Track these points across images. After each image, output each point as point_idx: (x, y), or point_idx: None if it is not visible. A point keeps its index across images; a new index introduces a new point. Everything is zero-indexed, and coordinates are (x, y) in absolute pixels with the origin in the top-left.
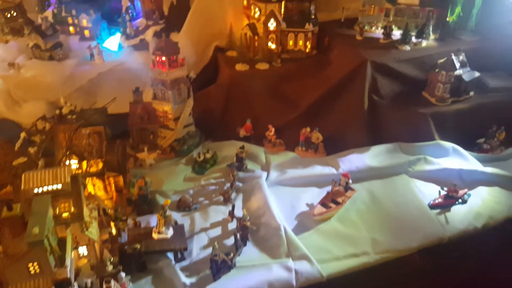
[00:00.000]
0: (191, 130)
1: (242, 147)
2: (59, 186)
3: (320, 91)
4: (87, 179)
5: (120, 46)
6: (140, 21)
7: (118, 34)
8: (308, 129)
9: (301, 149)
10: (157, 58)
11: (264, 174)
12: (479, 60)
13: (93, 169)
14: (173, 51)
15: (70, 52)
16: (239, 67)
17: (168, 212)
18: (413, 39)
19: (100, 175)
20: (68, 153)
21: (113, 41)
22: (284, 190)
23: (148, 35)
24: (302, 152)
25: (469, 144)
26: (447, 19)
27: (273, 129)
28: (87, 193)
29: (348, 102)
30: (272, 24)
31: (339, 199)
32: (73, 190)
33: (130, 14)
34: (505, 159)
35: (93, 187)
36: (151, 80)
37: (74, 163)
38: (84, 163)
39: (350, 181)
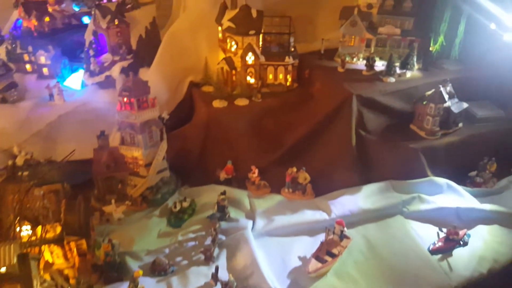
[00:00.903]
0: (165, 176)
1: (224, 193)
2: (3, 269)
3: (305, 128)
4: (44, 246)
5: (83, 84)
6: (106, 57)
7: (81, 71)
8: (295, 169)
9: (287, 191)
10: (125, 99)
11: (250, 223)
12: (464, 89)
13: (50, 235)
14: (142, 91)
15: (26, 93)
16: (217, 103)
17: (141, 285)
18: (397, 70)
19: (58, 241)
20: (18, 218)
21: (75, 79)
22: (273, 241)
23: (115, 71)
24: (289, 194)
25: (461, 177)
26: (430, 48)
27: (256, 170)
28: (44, 264)
29: (335, 139)
30: (250, 58)
31: (335, 250)
32: (21, 272)
33: (94, 49)
34: (499, 192)
35: (51, 255)
36: (117, 123)
37: (26, 229)
38: (39, 229)
39: (345, 228)
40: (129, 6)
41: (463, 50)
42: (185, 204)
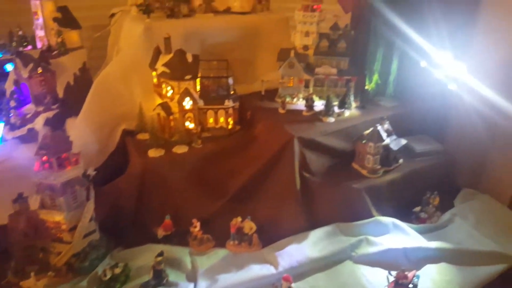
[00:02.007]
0: (93, 240)
1: (161, 254)
2: None
3: (248, 173)
4: None
5: (1, 139)
6: (28, 108)
7: (1, 125)
8: (239, 218)
9: (233, 243)
10: (43, 158)
11: (191, 287)
12: (401, 125)
13: None
14: (63, 148)
15: None
16: (153, 152)
17: None
18: (336, 110)
19: None
20: None
21: None
22: None
23: (38, 123)
24: (235, 247)
25: (406, 214)
26: (366, 87)
27: (198, 224)
28: None
29: (279, 183)
30: (188, 103)
31: None
32: None
33: (16, 100)
34: (444, 226)
35: None
36: (35, 185)
37: None
38: None
39: (293, 285)
40: (55, 52)
41: (397, 86)
42: (117, 270)
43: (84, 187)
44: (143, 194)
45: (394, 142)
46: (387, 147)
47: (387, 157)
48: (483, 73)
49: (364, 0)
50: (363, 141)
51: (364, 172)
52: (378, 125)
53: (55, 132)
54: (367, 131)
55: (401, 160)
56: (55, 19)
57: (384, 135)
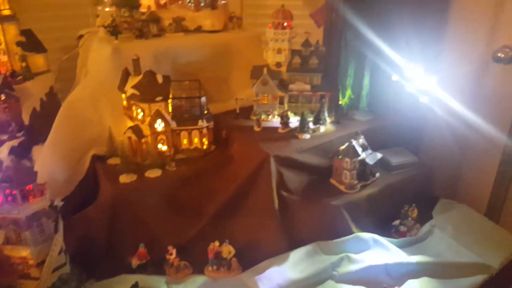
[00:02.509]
0: (64, 273)
1: (136, 285)
2: None
3: (225, 195)
4: None
5: None
6: None
7: None
8: (217, 243)
9: (211, 268)
10: (6, 191)
11: None
12: (376, 138)
13: None
14: (27, 179)
15: None
16: (124, 178)
17: None
18: (311, 125)
19: None
20: None
21: None
22: None
23: (2, 152)
24: (214, 273)
25: (386, 228)
26: (340, 102)
27: (174, 251)
28: None
29: (257, 204)
30: (159, 125)
31: None
32: None
33: None
34: (423, 239)
35: None
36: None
37: None
38: None
39: None
40: (20, 77)
41: (370, 100)
42: None
43: (51, 219)
44: (115, 223)
45: (370, 156)
46: (363, 162)
47: (364, 171)
48: (453, 86)
49: (336, 14)
50: (339, 157)
51: (342, 187)
52: (353, 140)
53: (18, 163)
54: (343, 147)
55: (378, 174)
56: (18, 43)
57: (359, 150)
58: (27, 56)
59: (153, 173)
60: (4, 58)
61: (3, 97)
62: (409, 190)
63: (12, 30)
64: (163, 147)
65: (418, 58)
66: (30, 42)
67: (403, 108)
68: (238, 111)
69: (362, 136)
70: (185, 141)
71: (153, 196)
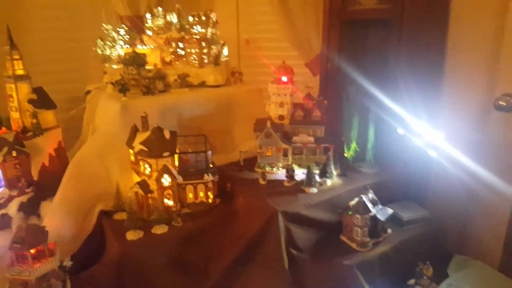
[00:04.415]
0: None
1: None
2: None
3: (232, 253)
4: None
5: None
6: (1, 192)
7: None
8: None
9: None
10: (17, 252)
11: None
12: (385, 191)
13: None
14: (38, 240)
15: None
16: (131, 235)
17: None
18: (317, 178)
19: None
20: None
21: None
22: None
23: (12, 208)
24: None
25: (400, 287)
26: (345, 154)
27: None
28: None
29: (266, 262)
30: (166, 180)
31: None
32: None
33: None
34: None
35: None
36: (8, 281)
37: None
38: None
39: None
40: (30, 133)
41: (376, 153)
42: None
43: (60, 280)
44: (122, 282)
45: (380, 212)
46: (374, 217)
47: (375, 227)
48: (458, 139)
49: (331, 64)
50: (349, 213)
51: (353, 245)
52: (362, 195)
53: (30, 224)
54: (353, 202)
55: (389, 230)
56: (30, 101)
57: (370, 206)
58: (37, 112)
59: (160, 229)
60: (16, 115)
61: (14, 153)
62: (422, 246)
63: (24, 89)
64: (169, 202)
65: (422, 113)
66: (41, 99)
67: (410, 160)
68: (242, 163)
69: (371, 191)
70: (190, 195)
71: (160, 254)
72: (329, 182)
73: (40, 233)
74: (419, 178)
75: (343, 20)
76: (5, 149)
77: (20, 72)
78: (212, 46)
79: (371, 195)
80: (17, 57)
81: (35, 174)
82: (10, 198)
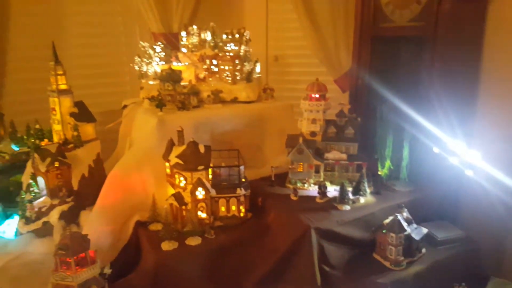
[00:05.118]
0: None
1: None
2: None
3: (264, 268)
4: None
5: (16, 233)
6: (44, 201)
7: (16, 218)
8: None
9: None
10: (61, 259)
11: None
12: (419, 210)
13: None
14: (82, 247)
15: None
16: (166, 245)
17: None
18: (350, 196)
19: None
20: None
21: (9, 227)
22: None
23: (53, 216)
24: None
25: None
26: (379, 172)
27: None
28: None
29: (298, 279)
30: (200, 193)
31: None
32: None
33: (32, 193)
34: None
35: None
36: (52, 286)
37: None
38: None
39: None
40: (71, 145)
41: (411, 171)
42: None
43: (100, 287)
44: None
45: (415, 231)
46: (409, 237)
47: (410, 247)
48: (494, 159)
49: (361, 81)
50: (384, 231)
51: (387, 264)
52: (397, 214)
53: (74, 232)
54: (387, 221)
55: (424, 250)
56: (71, 114)
57: (405, 225)
58: (78, 125)
59: (194, 241)
60: (58, 127)
61: (57, 164)
62: (457, 267)
63: (67, 103)
64: (202, 214)
65: (458, 132)
66: (82, 113)
67: (447, 178)
68: (273, 178)
69: (406, 210)
70: (223, 209)
71: (193, 265)
72: (362, 200)
73: (83, 241)
74: (454, 198)
75: (374, 37)
76: (48, 159)
77: (63, 86)
78: (245, 63)
79: (405, 213)
80: (60, 72)
81: (75, 184)
82: (52, 207)
